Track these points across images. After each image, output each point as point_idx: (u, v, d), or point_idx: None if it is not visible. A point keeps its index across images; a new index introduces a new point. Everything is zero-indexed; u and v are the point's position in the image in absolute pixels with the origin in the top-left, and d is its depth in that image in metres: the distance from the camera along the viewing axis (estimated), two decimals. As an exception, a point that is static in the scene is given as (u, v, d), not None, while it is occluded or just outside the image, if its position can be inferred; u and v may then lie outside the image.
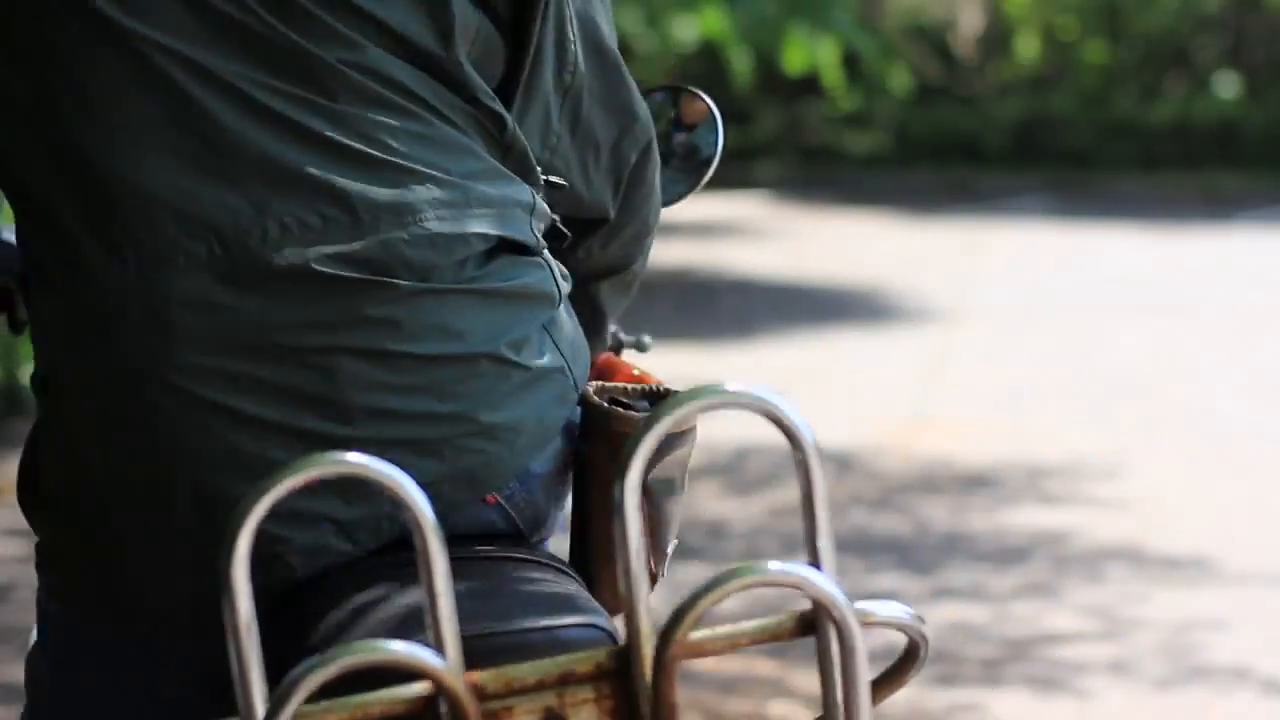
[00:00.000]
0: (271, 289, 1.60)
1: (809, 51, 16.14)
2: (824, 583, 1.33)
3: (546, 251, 1.75)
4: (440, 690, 1.25)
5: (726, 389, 1.28)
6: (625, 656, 1.30)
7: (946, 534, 5.63)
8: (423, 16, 1.66)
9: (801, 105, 22.29)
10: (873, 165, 20.66)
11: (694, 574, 5.14)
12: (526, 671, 1.30)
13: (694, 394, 1.28)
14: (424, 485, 1.41)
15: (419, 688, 1.25)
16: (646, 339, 2.31)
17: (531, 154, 1.77)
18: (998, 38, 22.89)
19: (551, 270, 1.75)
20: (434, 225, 1.64)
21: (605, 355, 2.14)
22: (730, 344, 9.39)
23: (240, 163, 1.60)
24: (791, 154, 21.47)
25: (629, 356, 2.22)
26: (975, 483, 6.29)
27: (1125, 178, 18.87)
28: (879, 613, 1.39)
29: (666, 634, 1.27)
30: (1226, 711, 4.09)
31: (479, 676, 1.28)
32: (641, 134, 1.91)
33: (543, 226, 1.77)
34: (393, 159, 1.64)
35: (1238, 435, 6.94)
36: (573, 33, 1.80)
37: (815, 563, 1.36)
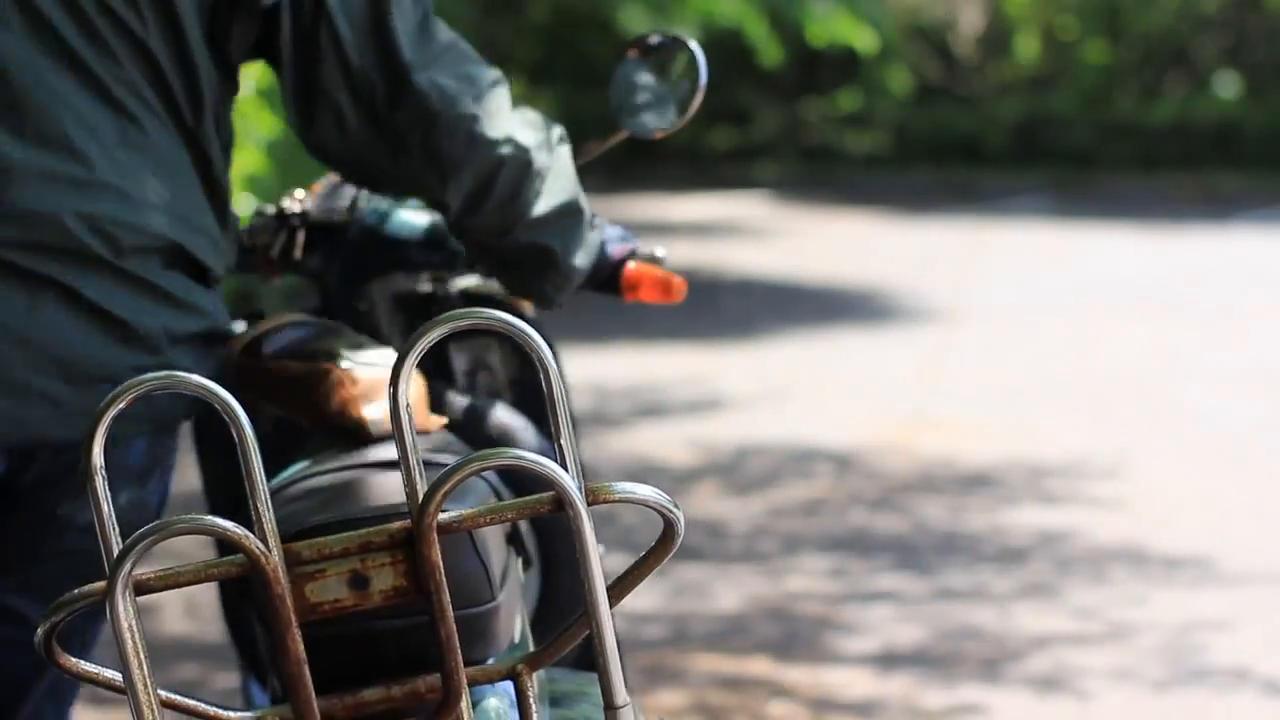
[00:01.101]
0: (27, 216, 2.06)
1: (830, 26, 16.16)
2: (557, 469, 1.54)
3: (217, 287, 2.21)
4: (248, 555, 1.53)
5: (474, 311, 1.56)
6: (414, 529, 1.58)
7: (946, 534, 5.63)
8: (178, 79, 2.14)
9: (801, 105, 22.29)
10: (873, 165, 20.66)
11: (694, 574, 5.14)
12: (333, 541, 1.58)
13: (446, 318, 1.56)
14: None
15: (240, 556, 1.54)
16: (659, 252, 2.57)
17: (231, 198, 2.22)
18: (998, 38, 22.89)
19: (218, 303, 2.19)
20: (132, 216, 2.08)
21: (635, 266, 2.48)
22: (731, 343, 9.39)
23: (36, 122, 2.07)
24: (791, 154, 21.46)
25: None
26: (975, 482, 6.29)
27: (1125, 178, 18.87)
28: (617, 491, 1.58)
29: (421, 509, 1.54)
30: (1227, 712, 4.09)
31: (294, 546, 1.58)
32: (455, 125, 2.20)
33: (228, 260, 2.21)
34: (120, 157, 2.09)
35: (1238, 435, 6.94)
36: (349, 48, 2.18)
37: (561, 459, 1.57)
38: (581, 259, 2.34)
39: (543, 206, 2.28)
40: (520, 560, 2.11)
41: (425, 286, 2.67)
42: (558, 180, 2.30)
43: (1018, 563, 5.29)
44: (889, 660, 4.44)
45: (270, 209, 2.64)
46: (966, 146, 20.32)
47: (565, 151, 2.33)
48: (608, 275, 2.48)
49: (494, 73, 2.27)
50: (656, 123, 2.54)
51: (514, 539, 2.06)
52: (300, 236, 2.61)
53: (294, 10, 2.18)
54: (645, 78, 2.54)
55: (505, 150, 2.24)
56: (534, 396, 2.64)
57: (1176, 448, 6.76)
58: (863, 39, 16.64)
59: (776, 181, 19.36)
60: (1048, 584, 5.06)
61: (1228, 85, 21.17)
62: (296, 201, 2.65)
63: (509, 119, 2.25)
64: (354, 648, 1.78)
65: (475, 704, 1.77)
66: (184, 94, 2.15)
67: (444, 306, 2.63)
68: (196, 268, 2.17)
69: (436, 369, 2.60)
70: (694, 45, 2.50)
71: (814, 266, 12.75)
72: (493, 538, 1.90)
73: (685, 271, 2.83)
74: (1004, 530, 5.66)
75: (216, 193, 2.20)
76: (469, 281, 2.66)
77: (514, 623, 1.96)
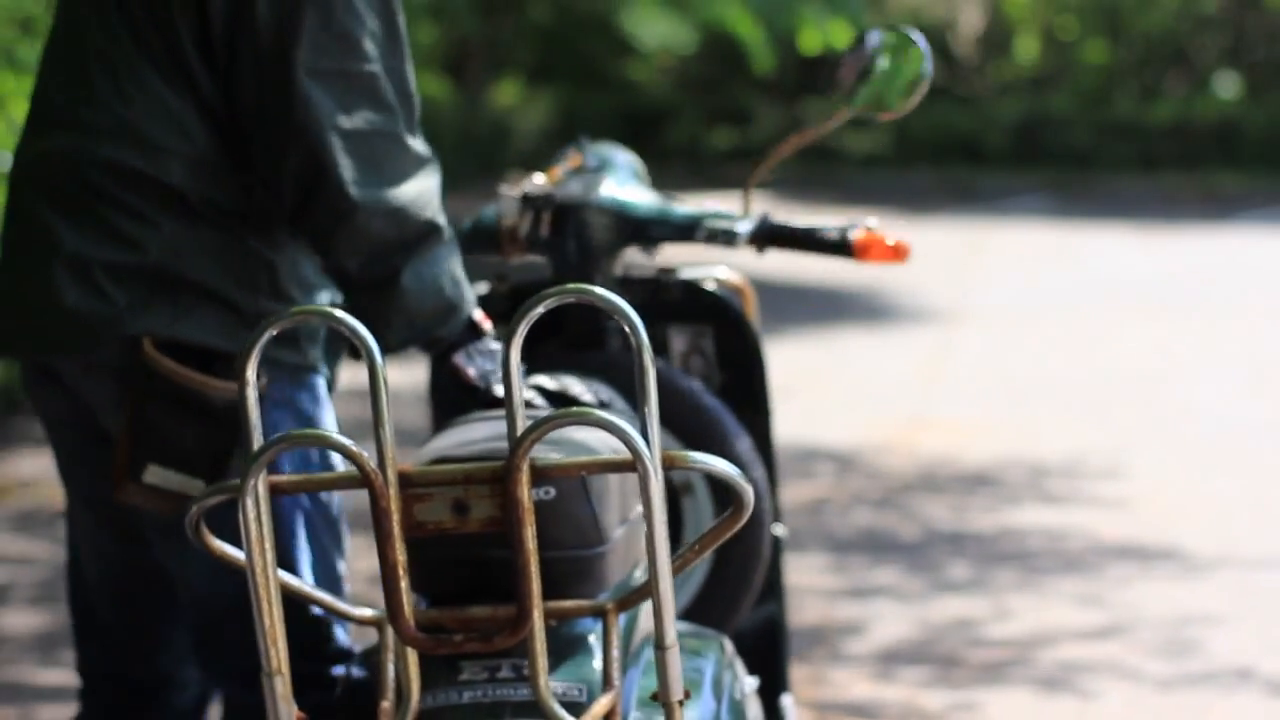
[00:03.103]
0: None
1: (822, 33, 16.22)
2: (634, 432, 1.71)
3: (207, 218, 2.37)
4: (361, 471, 1.74)
5: (578, 287, 1.76)
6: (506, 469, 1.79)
7: (948, 533, 5.63)
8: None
9: (801, 105, 22.28)
10: (873, 165, 20.66)
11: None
12: (441, 471, 1.80)
13: (552, 293, 1.76)
14: None
15: (353, 469, 1.76)
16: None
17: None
18: (998, 38, 22.89)
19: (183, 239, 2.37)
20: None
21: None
22: (731, 344, 9.39)
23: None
24: (794, 155, 21.43)
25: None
26: (977, 482, 6.29)
27: (1125, 178, 18.87)
28: (692, 459, 1.76)
29: (511, 454, 1.74)
30: (1228, 710, 4.09)
31: (407, 469, 1.80)
32: (301, 137, 2.30)
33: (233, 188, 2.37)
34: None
35: (1238, 434, 6.95)
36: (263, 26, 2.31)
37: (644, 426, 1.74)
38: (387, 335, 2.34)
39: (353, 265, 2.32)
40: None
41: (649, 273, 2.87)
42: (384, 251, 2.30)
43: (1019, 561, 5.29)
44: (891, 660, 4.44)
45: (513, 191, 2.80)
46: (966, 146, 20.31)
47: (431, 252, 2.32)
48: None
49: (384, 124, 2.30)
50: (880, 108, 2.79)
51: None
52: (546, 216, 2.77)
53: None
54: (872, 66, 2.77)
55: (329, 188, 2.27)
56: (739, 383, 2.89)
57: (1177, 447, 6.77)
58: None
59: (776, 181, 19.34)
60: (1049, 583, 5.07)
61: (1228, 85, 21.17)
62: (537, 185, 2.82)
63: (364, 167, 2.28)
64: (473, 572, 2.01)
65: (583, 634, 2.05)
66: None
67: (663, 293, 2.86)
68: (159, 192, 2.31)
69: (656, 349, 2.79)
70: (920, 39, 2.75)
71: (814, 266, 12.75)
72: (614, 493, 2.11)
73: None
74: (1005, 529, 5.67)
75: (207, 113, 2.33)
76: (695, 273, 2.88)
77: (625, 570, 2.18)
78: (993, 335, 9.57)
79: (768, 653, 2.94)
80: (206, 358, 2.30)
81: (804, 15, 16.22)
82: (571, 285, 1.76)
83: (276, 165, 2.29)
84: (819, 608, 4.85)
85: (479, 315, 2.41)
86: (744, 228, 2.79)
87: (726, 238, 2.79)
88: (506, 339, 1.75)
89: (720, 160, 21.07)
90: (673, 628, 1.74)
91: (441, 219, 2.35)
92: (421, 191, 2.32)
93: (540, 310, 1.74)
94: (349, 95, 2.28)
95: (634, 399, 2.60)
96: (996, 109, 20.90)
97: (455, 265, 2.37)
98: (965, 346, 9.26)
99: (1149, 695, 4.19)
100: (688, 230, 2.80)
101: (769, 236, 2.80)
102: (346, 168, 2.27)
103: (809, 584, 5.06)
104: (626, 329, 1.74)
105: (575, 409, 1.76)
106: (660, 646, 1.74)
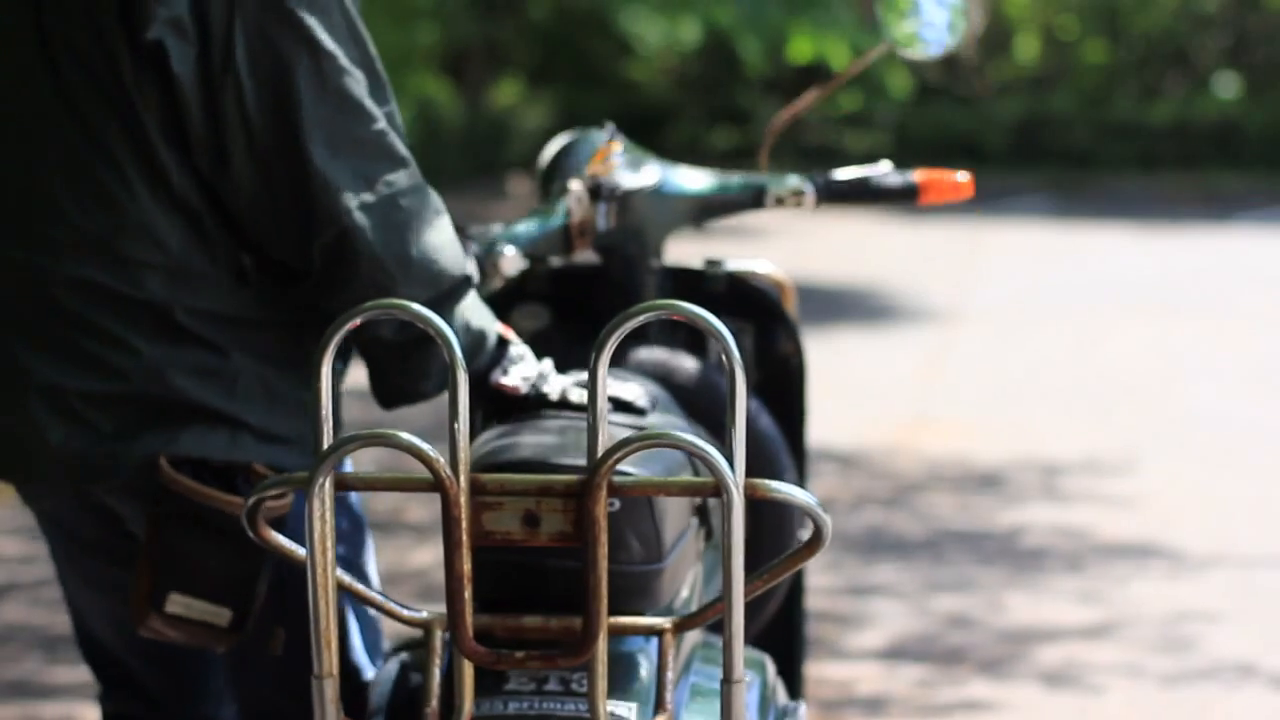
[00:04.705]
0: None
1: (814, 43, 16.24)
2: (720, 459, 1.66)
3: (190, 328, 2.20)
4: (436, 476, 1.68)
5: (671, 303, 1.71)
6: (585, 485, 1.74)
7: (952, 531, 5.63)
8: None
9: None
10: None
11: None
12: (516, 480, 1.74)
13: (644, 307, 1.71)
14: None
15: (426, 473, 1.69)
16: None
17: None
18: (998, 38, 22.89)
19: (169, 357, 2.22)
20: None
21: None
22: (732, 343, 9.39)
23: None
24: (791, 154, 21.45)
25: None
26: (979, 481, 6.29)
27: (1125, 178, 18.89)
28: (773, 488, 1.71)
29: (593, 472, 1.69)
30: (1230, 706, 4.09)
31: (480, 477, 1.73)
32: (329, 222, 2.14)
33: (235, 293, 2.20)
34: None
35: (1239, 434, 6.95)
36: (250, 109, 2.13)
37: (730, 451, 1.69)
38: (427, 386, 2.25)
39: (388, 332, 2.18)
40: (703, 534, 2.31)
41: (697, 264, 2.82)
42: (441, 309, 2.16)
43: (1023, 559, 5.30)
44: (896, 656, 4.44)
45: (575, 184, 2.68)
46: (966, 146, 20.33)
47: (461, 299, 2.21)
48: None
49: (404, 180, 2.14)
50: (923, 48, 2.75)
51: (702, 516, 2.29)
52: (613, 207, 2.70)
53: (201, 61, 2.09)
54: (911, 4, 2.74)
55: (366, 270, 2.11)
56: (777, 383, 2.88)
57: (1180, 446, 6.77)
58: (840, 58, 16.69)
59: (776, 181, 19.34)
60: (1052, 581, 5.07)
61: (1228, 85, 21.19)
62: (595, 178, 2.71)
63: (398, 236, 2.12)
64: (526, 579, 1.97)
65: (632, 652, 1.98)
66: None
67: (708, 285, 2.80)
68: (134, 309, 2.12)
69: (693, 345, 2.75)
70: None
71: (814, 266, 12.76)
72: (673, 508, 2.08)
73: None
74: (1008, 528, 5.67)
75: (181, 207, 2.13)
76: (740, 266, 2.85)
77: (681, 588, 2.16)
78: (993, 335, 9.58)
79: (784, 659, 2.91)
80: (223, 474, 2.15)
81: (794, 28, 16.23)
82: (664, 301, 1.71)
83: (300, 252, 2.12)
84: (825, 605, 4.86)
85: (500, 329, 2.30)
86: (808, 186, 2.79)
87: (796, 198, 2.78)
88: (596, 352, 1.70)
89: (720, 160, 21.07)
90: (741, 661, 1.69)
91: (471, 268, 2.22)
92: (448, 242, 2.18)
93: (630, 326, 1.69)
94: (367, 163, 2.11)
95: (671, 392, 2.56)
96: (996, 109, 20.92)
97: (476, 297, 2.25)
98: (965, 346, 9.26)
99: (1152, 691, 4.19)
100: (758, 199, 2.79)
101: (831, 192, 2.81)
102: (381, 244, 2.10)
103: (815, 581, 5.06)
104: (722, 353, 1.69)
105: (661, 431, 1.75)
106: (728, 680, 1.69)
